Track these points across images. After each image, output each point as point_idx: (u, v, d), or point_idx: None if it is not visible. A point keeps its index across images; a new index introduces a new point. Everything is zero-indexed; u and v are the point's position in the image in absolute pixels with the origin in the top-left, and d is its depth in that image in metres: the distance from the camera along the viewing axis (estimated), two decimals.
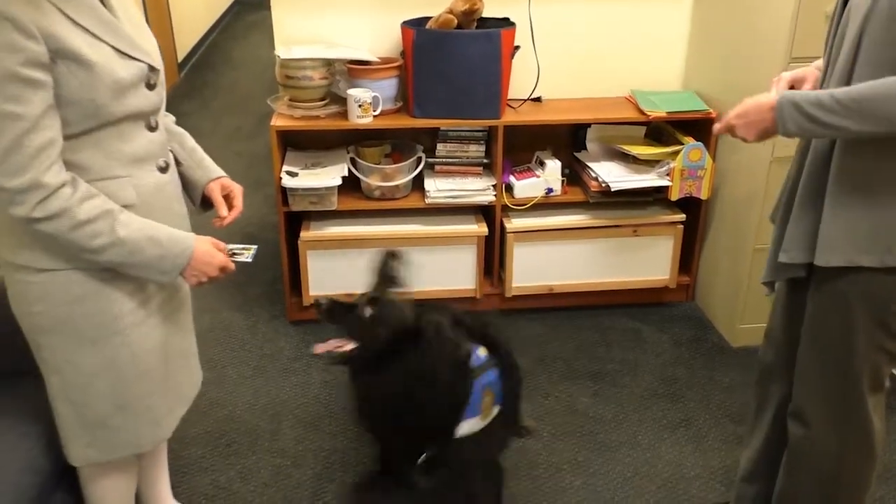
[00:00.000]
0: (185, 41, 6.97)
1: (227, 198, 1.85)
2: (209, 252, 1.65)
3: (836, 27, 1.61)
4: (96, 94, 1.45)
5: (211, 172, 1.85)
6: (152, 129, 1.61)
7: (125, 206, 1.56)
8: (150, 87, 1.57)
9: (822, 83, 1.65)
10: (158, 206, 1.63)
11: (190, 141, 1.84)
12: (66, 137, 1.46)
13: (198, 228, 1.76)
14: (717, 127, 1.68)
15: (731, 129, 1.63)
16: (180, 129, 1.83)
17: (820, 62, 1.73)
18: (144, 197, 1.60)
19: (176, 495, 2.20)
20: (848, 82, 1.52)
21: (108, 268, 1.56)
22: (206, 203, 1.86)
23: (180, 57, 6.71)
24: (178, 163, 1.78)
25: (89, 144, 1.50)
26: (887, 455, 2.51)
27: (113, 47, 1.48)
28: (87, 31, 1.44)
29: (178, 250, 1.58)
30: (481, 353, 1.96)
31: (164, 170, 1.65)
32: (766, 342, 1.97)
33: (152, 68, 1.56)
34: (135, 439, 1.75)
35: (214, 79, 6.67)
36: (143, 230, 1.54)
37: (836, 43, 1.59)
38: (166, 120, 1.80)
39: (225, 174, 1.88)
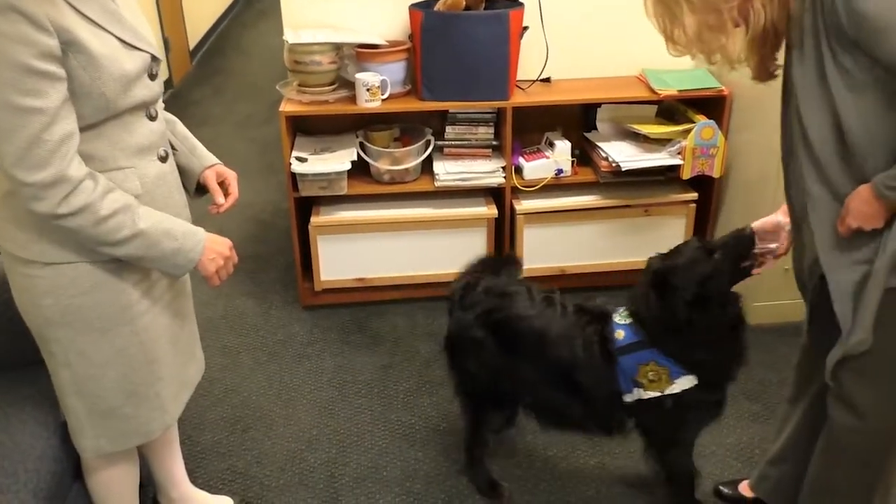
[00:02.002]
0: (197, 29, 6.97)
1: (223, 185, 1.85)
2: (216, 239, 1.67)
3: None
4: (106, 86, 1.45)
5: (205, 160, 1.84)
6: (152, 118, 1.61)
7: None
8: (152, 77, 1.58)
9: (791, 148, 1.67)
10: (160, 195, 1.64)
11: (181, 128, 1.84)
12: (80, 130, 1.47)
13: (198, 215, 1.78)
14: (843, 233, 1.62)
15: (857, 230, 1.60)
16: (171, 116, 1.82)
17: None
18: (148, 187, 1.60)
19: (193, 480, 2.22)
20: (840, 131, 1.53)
21: (118, 259, 1.58)
22: (200, 189, 1.86)
23: (192, 45, 6.71)
24: (173, 150, 1.78)
25: (95, 136, 1.50)
26: None
27: (118, 38, 1.48)
28: (93, 22, 1.43)
29: (192, 244, 1.60)
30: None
31: (164, 159, 1.65)
32: (811, 331, 1.93)
33: (154, 58, 1.57)
34: (144, 427, 1.77)
35: (226, 66, 6.68)
36: (161, 223, 1.56)
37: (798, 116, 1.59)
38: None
39: (219, 161, 1.87)
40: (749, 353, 1.96)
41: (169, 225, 1.57)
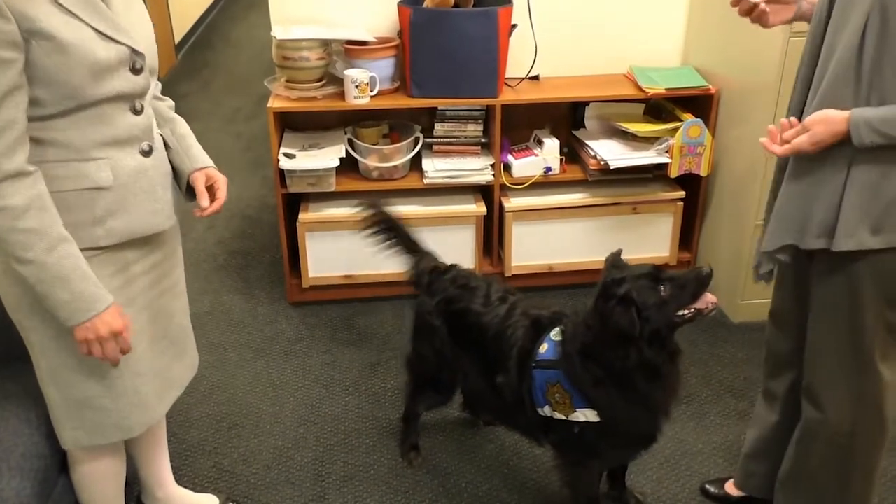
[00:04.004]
0: (183, 22, 6.92)
1: (212, 189, 1.80)
2: (113, 320, 1.58)
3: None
4: (71, 74, 1.45)
5: (196, 161, 1.80)
6: (137, 112, 1.59)
7: (100, 189, 1.56)
8: (136, 70, 1.56)
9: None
10: (139, 189, 1.62)
11: (182, 127, 1.81)
12: (44, 117, 1.47)
13: (185, 211, 1.78)
14: (783, 150, 1.62)
15: (798, 152, 1.61)
16: (175, 116, 1.81)
17: None
18: (123, 179, 1.59)
19: (179, 478, 2.21)
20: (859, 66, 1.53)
21: (91, 249, 1.57)
22: (193, 192, 1.82)
23: (177, 38, 6.66)
24: (168, 148, 1.76)
25: (67, 124, 1.50)
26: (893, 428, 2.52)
27: (94, 28, 1.47)
28: (67, 10, 1.43)
29: (85, 307, 1.53)
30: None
31: (147, 153, 1.63)
32: (774, 324, 1.97)
33: (136, 52, 1.55)
34: (124, 422, 1.75)
35: (213, 59, 6.64)
36: (66, 270, 1.50)
37: (830, 28, 1.59)
38: (162, 105, 1.79)
39: (212, 164, 1.83)
40: (673, 411, 1.89)
41: (74, 276, 1.51)
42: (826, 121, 1.56)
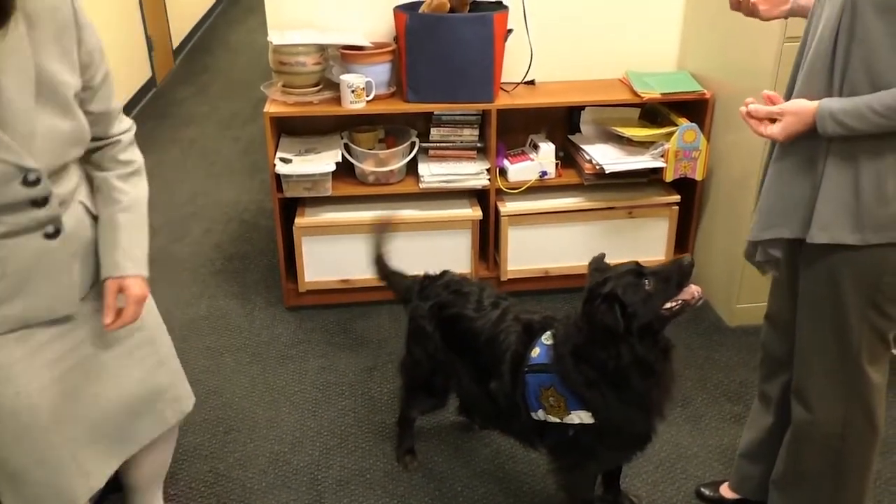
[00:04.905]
0: (181, 26, 6.94)
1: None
2: None
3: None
4: None
5: (111, 269, 1.58)
6: (40, 205, 1.44)
7: None
8: (29, 183, 1.39)
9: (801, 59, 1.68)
10: (39, 272, 1.48)
11: (123, 216, 1.60)
12: None
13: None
14: (758, 129, 1.64)
15: (772, 138, 1.64)
16: (123, 197, 1.61)
17: None
18: (17, 266, 1.46)
19: (175, 483, 2.21)
20: (832, 67, 1.55)
21: None
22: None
23: (176, 42, 6.68)
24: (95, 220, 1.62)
25: None
26: (889, 430, 2.53)
27: None
28: None
29: None
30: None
31: (52, 236, 1.48)
32: (769, 325, 1.98)
33: (24, 167, 1.38)
34: (67, 495, 1.61)
35: (212, 64, 6.65)
36: None
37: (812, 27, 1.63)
38: (113, 177, 1.61)
39: (132, 272, 1.60)
40: (667, 411, 1.88)
41: None
42: (797, 111, 1.58)
